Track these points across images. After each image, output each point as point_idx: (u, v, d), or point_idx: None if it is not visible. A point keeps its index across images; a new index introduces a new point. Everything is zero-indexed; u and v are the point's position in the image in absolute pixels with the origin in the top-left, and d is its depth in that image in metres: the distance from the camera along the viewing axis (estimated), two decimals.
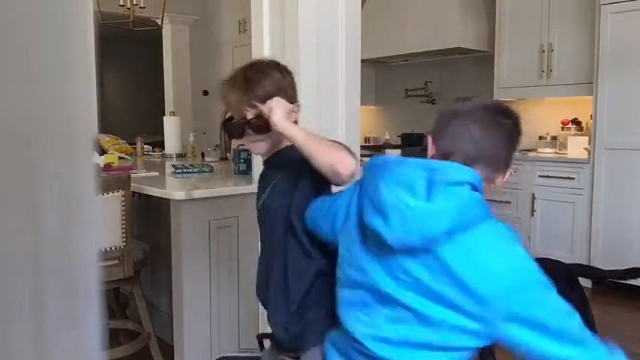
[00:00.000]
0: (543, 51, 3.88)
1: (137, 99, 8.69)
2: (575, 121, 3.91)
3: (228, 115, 1.31)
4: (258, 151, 1.32)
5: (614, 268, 2.19)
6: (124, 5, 4.11)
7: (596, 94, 3.47)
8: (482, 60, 4.45)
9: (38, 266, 0.33)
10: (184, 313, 2.02)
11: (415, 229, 0.93)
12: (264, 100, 1.19)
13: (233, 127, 1.27)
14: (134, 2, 4.10)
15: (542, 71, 3.91)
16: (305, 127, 1.18)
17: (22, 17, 0.31)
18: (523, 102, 4.35)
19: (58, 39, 0.34)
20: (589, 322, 1.28)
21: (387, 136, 4.22)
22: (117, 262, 2.07)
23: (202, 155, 3.61)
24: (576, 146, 3.72)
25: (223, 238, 2.10)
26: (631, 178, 3.33)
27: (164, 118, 3.93)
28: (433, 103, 4.90)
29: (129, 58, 8.47)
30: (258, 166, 2.16)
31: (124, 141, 3.98)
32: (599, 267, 2.89)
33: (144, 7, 4.15)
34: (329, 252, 1.22)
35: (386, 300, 1.00)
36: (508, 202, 3.90)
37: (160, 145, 4.03)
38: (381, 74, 5.40)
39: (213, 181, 2.43)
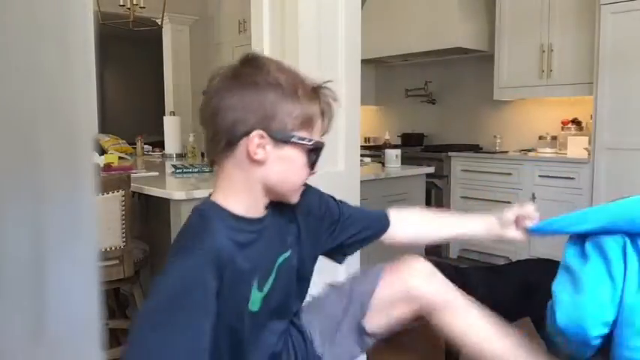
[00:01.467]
0: (543, 51, 3.88)
1: (137, 99, 8.69)
2: (575, 121, 3.91)
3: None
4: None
5: None
6: (124, 5, 4.11)
7: (596, 93, 3.47)
8: (483, 60, 4.45)
9: (38, 266, 0.33)
10: None
11: None
12: None
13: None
14: (134, 2, 4.10)
15: (542, 71, 3.91)
16: None
17: (22, 17, 0.31)
18: (523, 102, 4.35)
19: (58, 39, 0.34)
20: None
21: (387, 136, 4.22)
22: (117, 262, 2.07)
23: (202, 155, 3.61)
24: (576, 146, 3.72)
25: None
26: (631, 178, 3.33)
27: (164, 118, 3.94)
28: (433, 103, 4.89)
29: (129, 58, 8.47)
30: None
31: (124, 141, 3.98)
32: None
33: (144, 7, 4.15)
34: None
35: None
36: (508, 202, 3.90)
37: (160, 145, 4.04)
38: (381, 74, 5.40)
39: (213, 181, 2.42)
